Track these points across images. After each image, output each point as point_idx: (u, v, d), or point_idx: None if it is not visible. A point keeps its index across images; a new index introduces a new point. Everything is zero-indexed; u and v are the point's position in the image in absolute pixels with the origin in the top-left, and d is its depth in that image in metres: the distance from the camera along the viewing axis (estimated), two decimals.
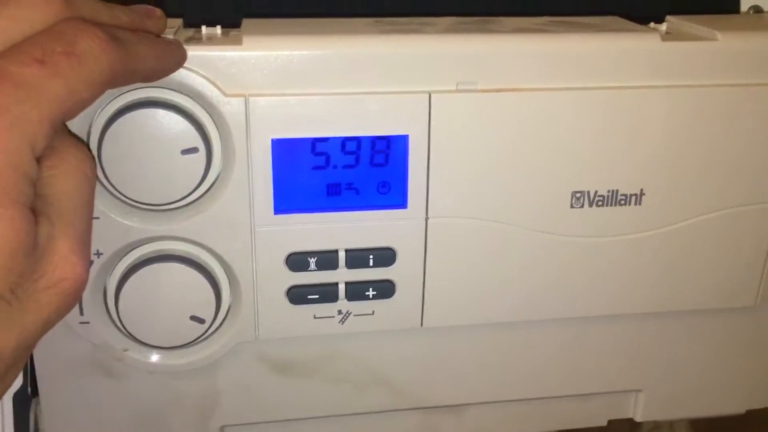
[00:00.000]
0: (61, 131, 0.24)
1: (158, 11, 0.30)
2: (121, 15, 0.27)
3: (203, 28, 0.32)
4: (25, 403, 0.36)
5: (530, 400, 0.40)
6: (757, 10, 0.43)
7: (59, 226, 0.23)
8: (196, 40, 0.31)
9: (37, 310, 0.22)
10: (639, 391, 0.41)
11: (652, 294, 0.37)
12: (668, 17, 0.37)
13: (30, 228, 0.21)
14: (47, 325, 0.23)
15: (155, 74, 0.28)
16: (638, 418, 0.42)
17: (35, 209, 0.22)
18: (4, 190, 0.20)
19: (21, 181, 0.21)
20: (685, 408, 0.42)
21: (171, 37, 0.30)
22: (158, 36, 0.29)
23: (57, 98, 0.21)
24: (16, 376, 0.23)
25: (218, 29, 0.32)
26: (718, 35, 0.33)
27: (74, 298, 0.23)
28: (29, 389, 0.36)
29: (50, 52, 0.22)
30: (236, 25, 0.33)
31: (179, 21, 0.33)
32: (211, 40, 0.31)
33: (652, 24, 0.36)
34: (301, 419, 0.38)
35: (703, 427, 0.52)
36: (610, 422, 0.43)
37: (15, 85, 0.20)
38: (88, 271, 0.24)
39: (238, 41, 0.30)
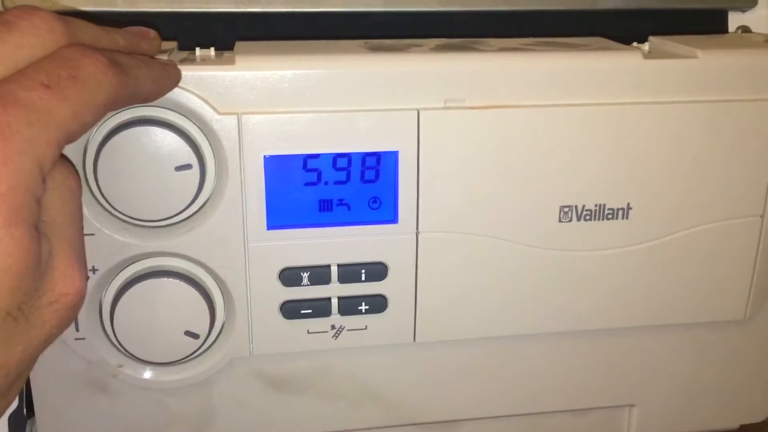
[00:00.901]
0: None
1: (152, 32, 0.30)
2: (119, 39, 0.28)
3: (197, 49, 0.33)
4: (20, 424, 0.36)
5: (524, 415, 0.40)
6: (745, 30, 0.43)
7: (56, 243, 0.23)
8: (190, 60, 0.32)
9: (40, 325, 0.22)
10: (632, 406, 0.41)
11: (642, 308, 0.37)
12: (651, 38, 0.38)
13: (37, 247, 0.22)
14: (49, 340, 0.23)
15: (152, 95, 0.29)
16: None
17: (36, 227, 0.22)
18: (16, 210, 0.20)
19: (31, 201, 0.21)
20: (679, 423, 0.42)
21: (165, 58, 0.31)
22: (153, 57, 0.30)
23: (63, 121, 0.22)
24: (17, 392, 0.24)
25: (212, 51, 0.33)
26: (699, 53, 0.34)
27: (75, 312, 0.24)
28: (25, 410, 0.37)
29: (56, 77, 0.22)
30: (229, 48, 0.34)
31: (174, 44, 0.34)
32: (205, 61, 0.32)
33: (634, 44, 0.37)
34: None
35: None
36: None
37: (25, 109, 0.21)
38: (86, 285, 0.24)
39: (231, 61, 0.31)
